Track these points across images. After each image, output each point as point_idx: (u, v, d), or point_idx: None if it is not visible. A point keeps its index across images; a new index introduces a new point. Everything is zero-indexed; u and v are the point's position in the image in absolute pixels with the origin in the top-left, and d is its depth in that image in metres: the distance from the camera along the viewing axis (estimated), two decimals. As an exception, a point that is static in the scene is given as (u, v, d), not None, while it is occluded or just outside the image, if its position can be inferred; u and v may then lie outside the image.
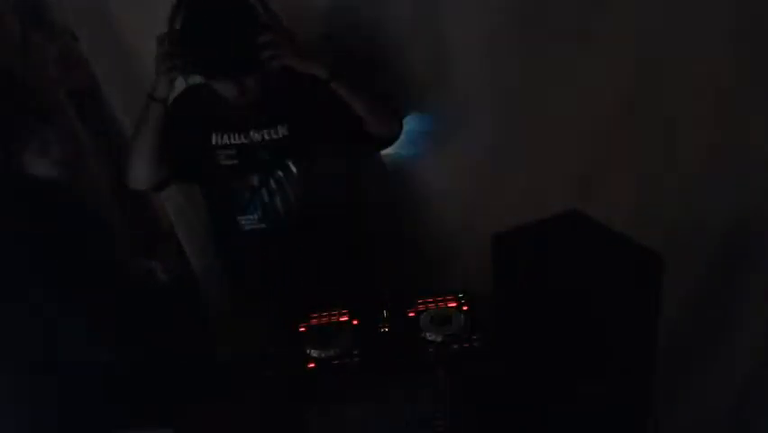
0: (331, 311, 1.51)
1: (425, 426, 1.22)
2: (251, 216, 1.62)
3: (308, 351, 1.39)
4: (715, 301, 1.44)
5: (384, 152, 1.77)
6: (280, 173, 1.58)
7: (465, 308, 1.47)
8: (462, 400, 1.25)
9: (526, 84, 1.62)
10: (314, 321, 1.49)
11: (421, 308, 1.48)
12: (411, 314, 1.45)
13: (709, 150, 1.38)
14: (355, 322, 1.47)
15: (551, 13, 1.53)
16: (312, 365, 1.36)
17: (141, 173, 1.55)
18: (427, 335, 1.40)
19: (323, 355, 1.37)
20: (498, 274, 1.20)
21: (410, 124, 1.75)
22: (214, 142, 1.57)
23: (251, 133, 1.56)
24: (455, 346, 1.37)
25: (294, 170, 1.57)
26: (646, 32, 1.41)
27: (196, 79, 1.50)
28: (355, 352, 1.38)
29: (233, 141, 1.56)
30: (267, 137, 1.55)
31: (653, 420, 1.21)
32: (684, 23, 1.35)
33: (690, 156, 1.41)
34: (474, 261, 1.61)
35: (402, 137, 1.68)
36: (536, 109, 1.64)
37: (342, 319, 1.48)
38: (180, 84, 1.51)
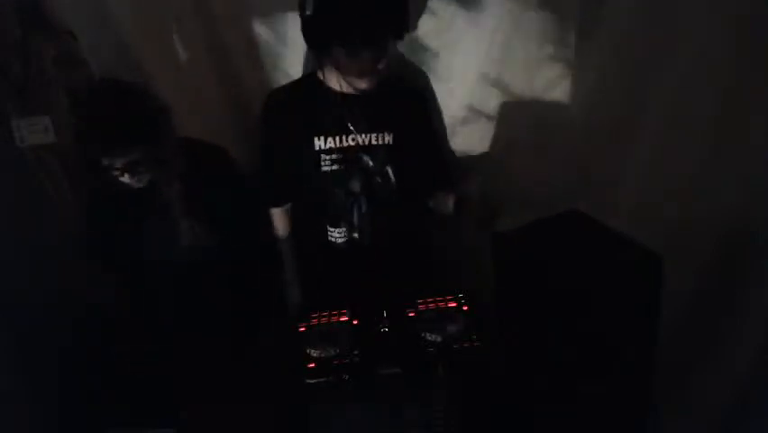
0: (331, 312, 1.51)
1: (425, 426, 1.22)
2: (342, 229, 1.59)
3: (308, 351, 1.39)
4: (715, 301, 1.44)
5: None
6: (379, 180, 1.54)
7: (465, 308, 1.47)
8: (462, 400, 1.25)
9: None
10: (314, 321, 1.49)
11: (421, 307, 1.48)
12: (411, 314, 1.45)
13: (709, 150, 1.38)
14: (355, 322, 1.47)
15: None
16: (312, 365, 1.36)
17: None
18: (427, 335, 1.40)
19: (323, 355, 1.37)
20: (499, 274, 1.20)
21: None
22: (317, 147, 1.53)
23: (360, 135, 1.52)
24: (455, 346, 1.37)
25: (393, 178, 1.54)
26: (646, 31, 1.41)
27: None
28: (355, 352, 1.38)
29: (337, 144, 1.52)
30: (375, 141, 1.52)
31: (653, 420, 1.21)
32: (684, 23, 1.35)
33: (690, 156, 1.40)
34: (474, 261, 1.63)
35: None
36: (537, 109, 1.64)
37: (342, 319, 1.48)
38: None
